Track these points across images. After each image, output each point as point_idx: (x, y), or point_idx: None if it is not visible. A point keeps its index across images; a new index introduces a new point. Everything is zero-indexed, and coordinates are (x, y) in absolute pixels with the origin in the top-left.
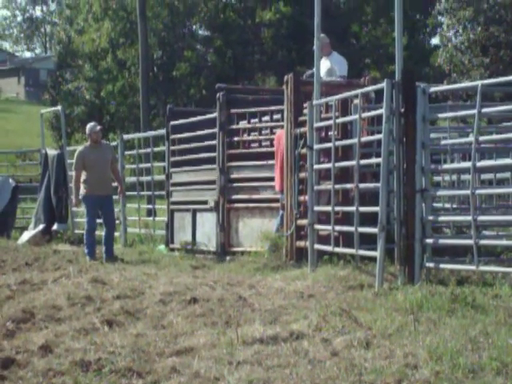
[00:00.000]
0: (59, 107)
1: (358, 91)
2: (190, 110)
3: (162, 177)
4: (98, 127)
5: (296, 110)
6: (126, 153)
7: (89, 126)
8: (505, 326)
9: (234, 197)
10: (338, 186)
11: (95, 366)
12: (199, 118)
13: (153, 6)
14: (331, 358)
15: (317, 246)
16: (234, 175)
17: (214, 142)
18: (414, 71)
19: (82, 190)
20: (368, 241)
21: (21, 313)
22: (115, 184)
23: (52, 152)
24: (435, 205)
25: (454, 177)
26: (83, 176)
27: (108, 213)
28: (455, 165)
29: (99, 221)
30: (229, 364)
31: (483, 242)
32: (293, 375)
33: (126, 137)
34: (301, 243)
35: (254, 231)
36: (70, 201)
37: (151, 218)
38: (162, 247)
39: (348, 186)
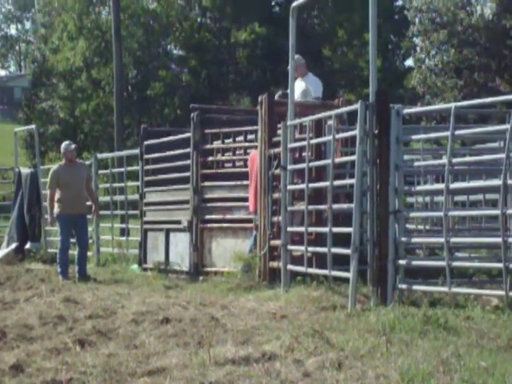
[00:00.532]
0: (33, 126)
1: (332, 112)
2: (164, 129)
3: (136, 196)
4: (73, 146)
5: (270, 130)
6: (100, 172)
7: (63, 144)
8: (477, 348)
9: (208, 217)
10: (311, 207)
11: None
12: (173, 137)
13: (128, 25)
14: (303, 378)
15: (290, 267)
16: (208, 195)
17: (187, 162)
18: (387, 93)
19: (56, 209)
20: (341, 262)
21: None
22: (89, 203)
23: (25, 170)
24: (408, 226)
25: (428, 198)
26: (57, 195)
27: (82, 232)
28: (428, 186)
29: (72, 240)
30: None
31: (456, 263)
32: None
33: (99, 156)
34: (274, 264)
35: (227, 251)
36: (43, 219)
37: (124, 238)
38: (135, 267)
39: (321, 206)
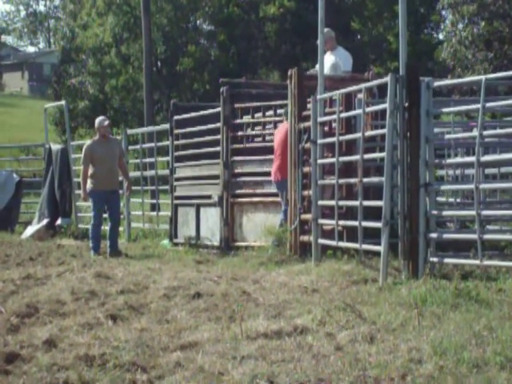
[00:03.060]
0: (63, 102)
1: (362, 86)
2: (194, 104)
3: (166, 171)
4: (107, 122)
5: (300, 104)
6: (130, 147)
7: (98, 120)
8: (509, 321)
9: (238, 191)
10: (341, 181)
11: (99, 361)
12: (203, 112)
13: (157, 0)
14: (335, 352)
15: (321, 241)
16: (238, 170)
17: (217, 137)
18: (417, 66)
19: (89, 185)
20: (372, 235)
21: (25, 307)
22: (121, 178)
23: (56, 147)
24: (439, 199)
25: (458, 171)
26: (90, 170)
27: (114, 207)
28: (459, 159)
29: (104, 215)
30: (233, 359)
31: (487, 236)
32: (297, 370)
33: (129, 131)
34: (305, 238)
35: (257, 226)
36: (73, 195)
37: (155, 213)
38: (165, 242)
39: (352, 180)
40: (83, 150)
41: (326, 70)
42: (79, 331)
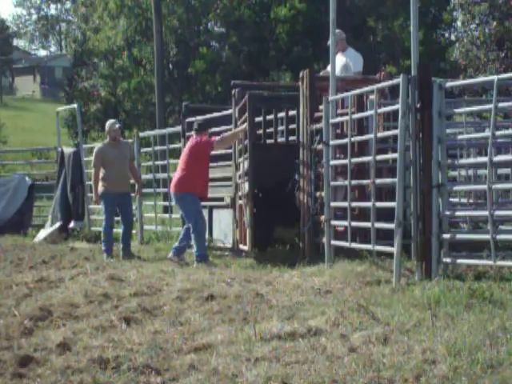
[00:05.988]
0: (75, 105)
1: (374, 87)
2: (206, 106)
3: None
4: (118, 125)
5: (312, 105)
6: (142, 150)
7: (108, 123)
8: None
9: None
10: (354, 182)
11: (113, 364)
12: (214, 114)
13: (168, 3)
14: (349, 353)
15: (333, 242)
16: None
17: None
18: (430, 66)
19: (101, 188)
20: (385, 236)
21: (38, 310)
22: (133, 181)
23: (68, 150)
24: (452, 200)
25: (471, 172)
26: (101, 173)
27: (126, 210)
28: (472, 160)
29: (116, 218)
30: (247, 360)
31: (500, 236)
32: (311, 371)
33: (141, 134)
34: (317, 239)
35: None
36: (86, 198)
37: (167, 215)
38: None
39: (364, 181)
40: (94, 152)
41: (337, 71)
42: (93, 334)
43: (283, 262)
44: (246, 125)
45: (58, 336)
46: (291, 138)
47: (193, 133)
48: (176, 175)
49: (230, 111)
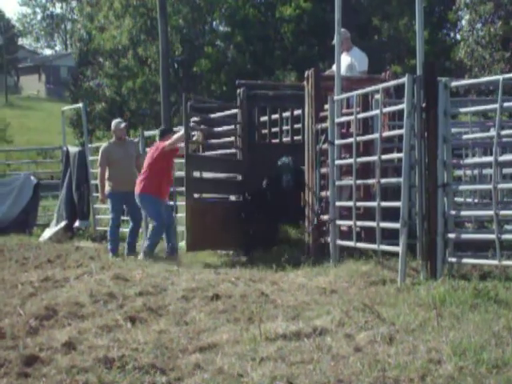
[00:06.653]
0: (80, 104)
1: (379, 86)
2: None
3: (183, 173)
4: (123, 124)
5: (317, 105)
6: (147, 149)
7: (114, 122)
8: None
9: None
10: (359, 182)
11: (118, 363)
12: (219, 114)
13: (173, 2)
14: (354, 353)
15: (339, 242)
16: None
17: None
18: (435, 65)
19: (107, 187)
20: (390, 236)
21: (44, 310)
22: None
23: (73, 149)
24: (457, 199)
25: (476, 171)
26: (107, 173)
27: (134, 208)
28: (477, 159)
29: (125, 218)
30: (252, 360)
31: (505, 236)
32: (316, 371)
33: (146, 133)
34: (323, 239)
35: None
36: (91, 197)
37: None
38: (183, 243)
39: (370, 181)
40: (100, 152)
41: (342, 71)
42: (98, 333)
43: (288, 262)
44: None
45: (64, 335)
46: (296, 137)
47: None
48: (141, 176)
49: (234, 110)
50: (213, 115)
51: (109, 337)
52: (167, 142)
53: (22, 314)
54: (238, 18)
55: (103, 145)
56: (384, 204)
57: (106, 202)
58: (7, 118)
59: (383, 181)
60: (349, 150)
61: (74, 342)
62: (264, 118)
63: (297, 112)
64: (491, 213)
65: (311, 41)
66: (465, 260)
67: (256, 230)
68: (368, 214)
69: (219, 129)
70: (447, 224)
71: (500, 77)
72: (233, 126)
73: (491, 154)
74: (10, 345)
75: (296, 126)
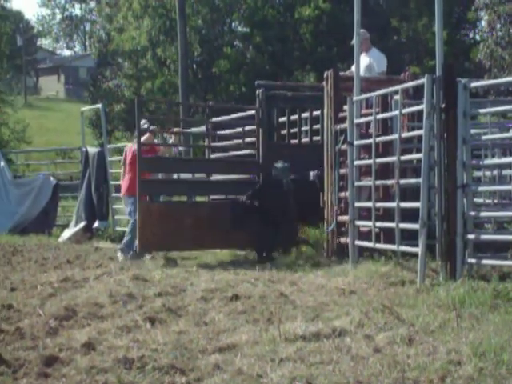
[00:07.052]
0: (99, 105)
1: (399, 87)
2: (230, 106)
3: (202, 174)
4: (146, 125)
5: (336, 106)
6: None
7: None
8: None
9: None
10: (378, 182)
11: (138, 364)
12: (239, 114)
13: (192, 3)
14: (374, 354)
15: (358, 243)
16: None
17: (253, 139)
18: (454, 66)
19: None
20: (409, 237)
21: (63, 310)
22: None
23: (92, 150)
24: (476, 200)
25: (495, 172)
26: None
27: None
28: (496, 160)
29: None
30: (271, 361)
31: None
32: (335, 372)
33: (166, 134)
34: (342, 239)
35: None
36: (110, 198)
37: None
38: None
39: (389, 181)
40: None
41: (361, 72)
42: (118, 334)
43: (306, 262)
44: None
45: (83, 336)
46: (315, 138)
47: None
48: (124, 177)
49: (252, 112)
50: (228, 117)
51: (128, 337)
52: (135, 147)
53: (42, 314)
54: (256, 18)
55: (128, 144)
56: (403, 205)
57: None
58: (26, 118)
59: (402, 181)
60: (368, 150)
61: (94, 343)
62: (283, 119)
63: (316, 113)
64: (511, 214)
65: (330, 41)
66: (484, 261)
67: (274, 231)
68: (387, 214)
69: (232, 131)
70: (466, 225)
71: None
72: (250, 127)
73: (511, 155)
74: (29, 345)
75: (315, 126)
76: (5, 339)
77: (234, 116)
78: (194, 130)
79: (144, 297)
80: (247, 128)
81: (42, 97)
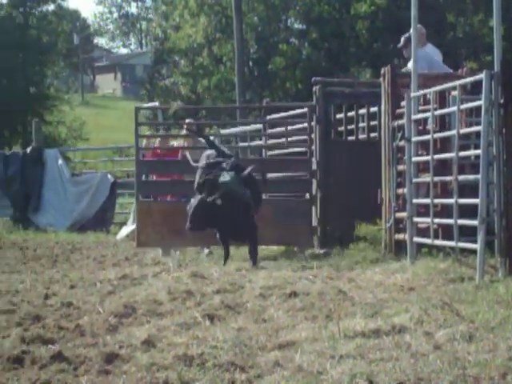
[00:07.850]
0: (156, 103)
1: (457, 83)
2: (287, 104)
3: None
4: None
5: (393, 102)
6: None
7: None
8: None
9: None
10: (436, 179)
11: (198, 361)
12: (296, 111)
13: (248, 0)
14: (434, 351)
15: (416, 239)
16: None
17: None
18: None
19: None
20: (468, 233)
21: (122, 308)
22: None
23: None
24: None
25: None
26: None
27: None
28: None
29: None
30: (331, 358)
31: None
32: (396, 369)
33: (222, 131)
34: (400, 236)
35: None
36: None
37: None
38: None
39: (447, 178)
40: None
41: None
42: (177, 331)
43: (364, 259)
44: None
45: (143, 333)
46: (373, 134)
47: None
48: None
49: (304, 109)
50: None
51: (188, 334)
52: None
53: (101, 311)
54: (312, 15)
55: None
56: (461, 201)
57: None
58: (83, 116)
59: (461, 178)
60: (426, 146)
61: (153, 340)
62: (340, 116)
63: (373, 109)
64: None
65: (386, 38)
66: None
67: (333, 227)
68: (445, 211)
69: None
70: None
71: None
72: (305, 125)
73: None
74: (90, 342)
75: (372, 123)
76: (65, 336)
77: (283, 114)
78: (247, 128)
79: (202, 294)
80: (298, 126)
81: (99, 95)
